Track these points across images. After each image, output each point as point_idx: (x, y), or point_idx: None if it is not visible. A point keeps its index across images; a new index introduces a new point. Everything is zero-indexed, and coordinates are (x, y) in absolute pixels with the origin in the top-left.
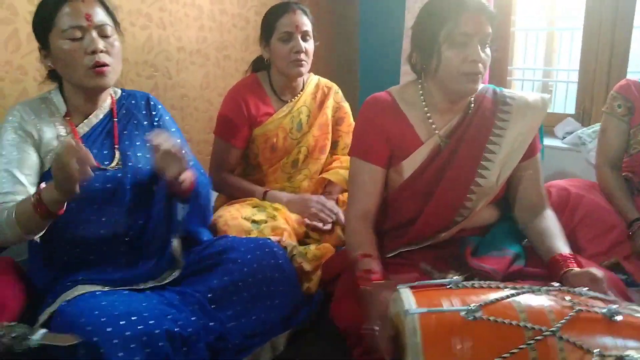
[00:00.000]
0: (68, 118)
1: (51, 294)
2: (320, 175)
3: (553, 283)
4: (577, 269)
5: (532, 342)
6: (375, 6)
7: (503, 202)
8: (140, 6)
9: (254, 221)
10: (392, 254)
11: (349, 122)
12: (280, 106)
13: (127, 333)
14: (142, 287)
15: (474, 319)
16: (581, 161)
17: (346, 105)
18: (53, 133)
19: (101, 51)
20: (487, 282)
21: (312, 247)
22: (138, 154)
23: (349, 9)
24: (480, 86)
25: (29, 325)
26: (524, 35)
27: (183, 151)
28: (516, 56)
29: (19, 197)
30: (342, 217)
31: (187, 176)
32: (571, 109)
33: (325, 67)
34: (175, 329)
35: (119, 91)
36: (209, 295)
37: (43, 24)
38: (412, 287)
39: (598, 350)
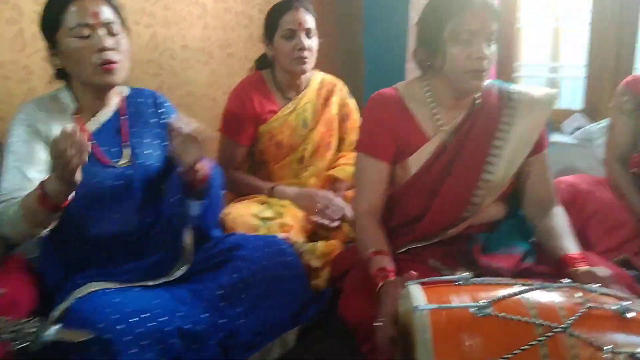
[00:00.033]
0: (78, 115)
1: (62, 292)
2: (327, 172)
3: (563, 280)
4: (582, 268)
5: (542, 338)
6: (380, 2)
7: (511, 198)
8: (144, 5)
9: (261, 218)
10: (400, 251)
11: (355, 119)
12: (285, 103)
13: (139, 330)
14: (151, 284)
15: (483, 316)
16: (589, 157)
17: (352, 102)
18: None
19: (109, 49)
20: (497, 279)
21: (320, 243)
22: (147, 151)
23: (353, 5)
24: (486, 82)
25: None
26: (529, 32)
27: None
28: (522, 53)
29: None
30: (349, 213)
31: (203, 165)
32: (579, 105)
33: (330, 64)
34: (187, 326)
35: (128, 89)
36: (219, 292)
37: (50, 23)
38: (421, 283)
39: (610, 347)
